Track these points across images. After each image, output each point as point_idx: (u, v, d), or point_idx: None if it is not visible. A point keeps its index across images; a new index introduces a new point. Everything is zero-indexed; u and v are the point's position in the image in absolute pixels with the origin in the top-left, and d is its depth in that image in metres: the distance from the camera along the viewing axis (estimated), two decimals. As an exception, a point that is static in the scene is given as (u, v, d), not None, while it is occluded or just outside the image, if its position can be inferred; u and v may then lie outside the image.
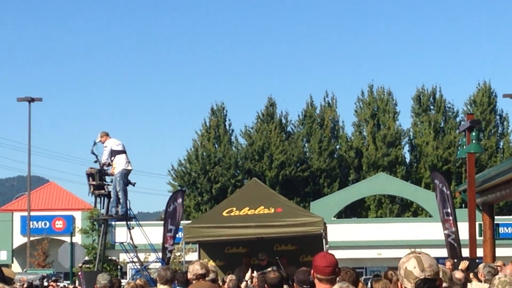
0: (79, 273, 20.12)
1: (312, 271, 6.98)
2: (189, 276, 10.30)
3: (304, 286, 7.34)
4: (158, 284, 10.73)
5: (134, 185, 21.61)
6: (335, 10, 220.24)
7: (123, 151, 21.12)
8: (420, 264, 4.35)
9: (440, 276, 4.61)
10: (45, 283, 28.88)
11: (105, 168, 21.22)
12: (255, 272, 17.37)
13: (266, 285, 9.08)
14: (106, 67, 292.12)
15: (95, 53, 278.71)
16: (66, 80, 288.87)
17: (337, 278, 7.12)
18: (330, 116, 72.30)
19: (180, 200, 23.97)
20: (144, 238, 21.39)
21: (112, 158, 21.00)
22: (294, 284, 7.69)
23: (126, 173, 21.09)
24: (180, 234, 22.50)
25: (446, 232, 22.29)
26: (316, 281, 6.92)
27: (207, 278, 10.41)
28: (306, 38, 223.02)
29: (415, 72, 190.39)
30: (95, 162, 21.33)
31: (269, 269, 13.97)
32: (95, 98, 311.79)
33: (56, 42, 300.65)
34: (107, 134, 21.25)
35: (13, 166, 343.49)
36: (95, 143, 21.20)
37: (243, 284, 16.23)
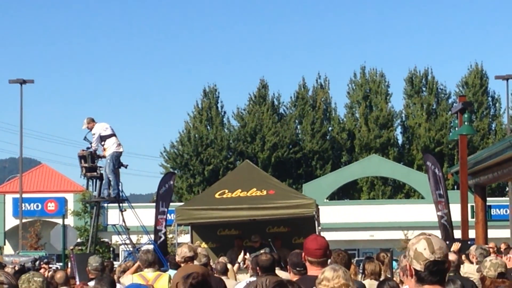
0: (71, 255, 20.05)
1: (303, 253, 6.96)
2: (177, 258, 10.30)
3: (298, 269, 7.31)
4: (143, 268, 10.66)
5: (126, 167, 21.53)
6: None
7: (112, 134, 20.96)
8: (430, 246, 4.40)
9: None
10: (37, 265, 28.80)
11: (97, 153, 21.11)
12: (247, 254, 17.40)
13: (258, 268, 9.06)
14: (98, 50, 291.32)
15: (87, 35, 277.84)
16: (58, 62, 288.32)
17: (329, 260, 7.11)
18: (322, 97, 72.22)
19: (171, 182, 23.92)
20: (136, 220, 21.33)
21: (103, 143, 20.87)
22: (288, 267, 7.67)
23: (117, 155, 20.97)
24: (172, 216, 22.47)
25: (439, 213, 22.26)
26: (307, 263, 6.91)
27: (196, 262, 10.40)
28: (298, 20, 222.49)
29: (407, 53, 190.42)
30: (88, 149, 21.20)
31: (261, 251, 13.98)
32: (87, 80, 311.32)
33: (48, 23, 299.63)
34: (93, 120, 21.00)
35: (4, 148, 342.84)
36: (90, 130, 21.01)
37: (235, 266, 16.24)
